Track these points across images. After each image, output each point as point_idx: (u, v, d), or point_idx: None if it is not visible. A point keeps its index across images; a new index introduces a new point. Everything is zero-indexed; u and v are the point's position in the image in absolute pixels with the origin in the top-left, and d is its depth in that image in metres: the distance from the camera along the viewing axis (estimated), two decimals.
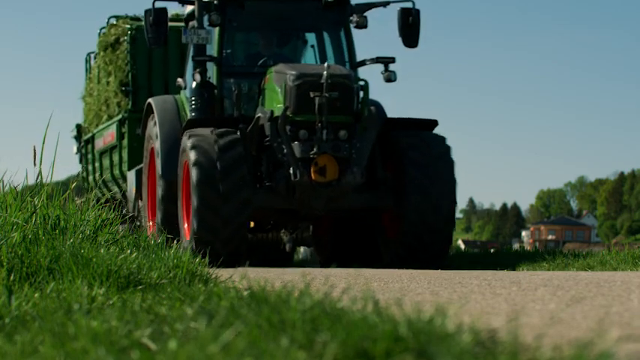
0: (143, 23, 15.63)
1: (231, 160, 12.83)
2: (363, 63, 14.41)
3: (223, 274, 6.68)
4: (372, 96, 14.13)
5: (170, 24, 14.36)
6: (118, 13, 18.98)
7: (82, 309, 4.25)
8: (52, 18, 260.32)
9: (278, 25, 15.00)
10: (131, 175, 16.65)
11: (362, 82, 13.45)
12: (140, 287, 5.30)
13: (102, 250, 5.99)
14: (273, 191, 13.19)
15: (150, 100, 15.19)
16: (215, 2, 14.08)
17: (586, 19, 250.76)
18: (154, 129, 14.75)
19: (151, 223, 14.92)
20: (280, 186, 13.10)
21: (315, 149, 12.84)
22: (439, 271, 10.11)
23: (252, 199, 12.94)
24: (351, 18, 14.37)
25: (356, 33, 14.58)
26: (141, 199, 15.93)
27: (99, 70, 18.88)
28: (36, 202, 7.14)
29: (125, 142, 17.32)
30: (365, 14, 14.37)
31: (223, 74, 14.25)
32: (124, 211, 16.75)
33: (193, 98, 14.13)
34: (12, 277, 5.45)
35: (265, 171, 13.34)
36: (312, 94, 12.85)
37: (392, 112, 16.46)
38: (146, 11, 13.95)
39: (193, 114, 14.05)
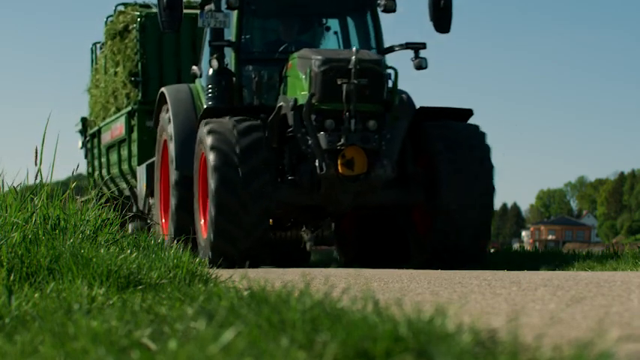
0: (155, 9, 15.00)
1: (252, 142, 11.94)
2: (391, 49, 13.36)
3: (223, 274, 6.69)
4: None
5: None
6: (125, 0, 18.00)
7: (82, 309, 4.25)
8: (52, 17, 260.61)
9: (299, 10, 13.93)
10: (141, 170, 15.78)
11: (391, 70, 12.49)
12: (140, 287, 5.30)
13: (102, 250, 5.99)
14: (297, 186, 12.21)
15: (163, 89, 14.24)
16: None
17: (586, 19, 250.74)
18: (167, 120, 13.83)
19: (163, 221, 14.25)
20: (304, 180, 12.12)
21: (342, 140, 11.79)
22: (439, 271, 10.12)
23: (274, 191, 12.03)
24: (378, 1, 13.34)
25: (383, 17, 13.60)
26: (152, 196, 15.14)
27: (106, 61, 18.11)
28: (36, 202, 7.14)
29: (135, 135, 16.62)
30: None
31: (242, 61, 13.22)
32: (133, 209, 16.42)
33: (210, 86, 13.16)
34: (12, 277, 5.46)
35: (288, 164, 12.35)
36: (339, 81, 11.84)
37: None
38: None
39: (210, 102, 13.09)
